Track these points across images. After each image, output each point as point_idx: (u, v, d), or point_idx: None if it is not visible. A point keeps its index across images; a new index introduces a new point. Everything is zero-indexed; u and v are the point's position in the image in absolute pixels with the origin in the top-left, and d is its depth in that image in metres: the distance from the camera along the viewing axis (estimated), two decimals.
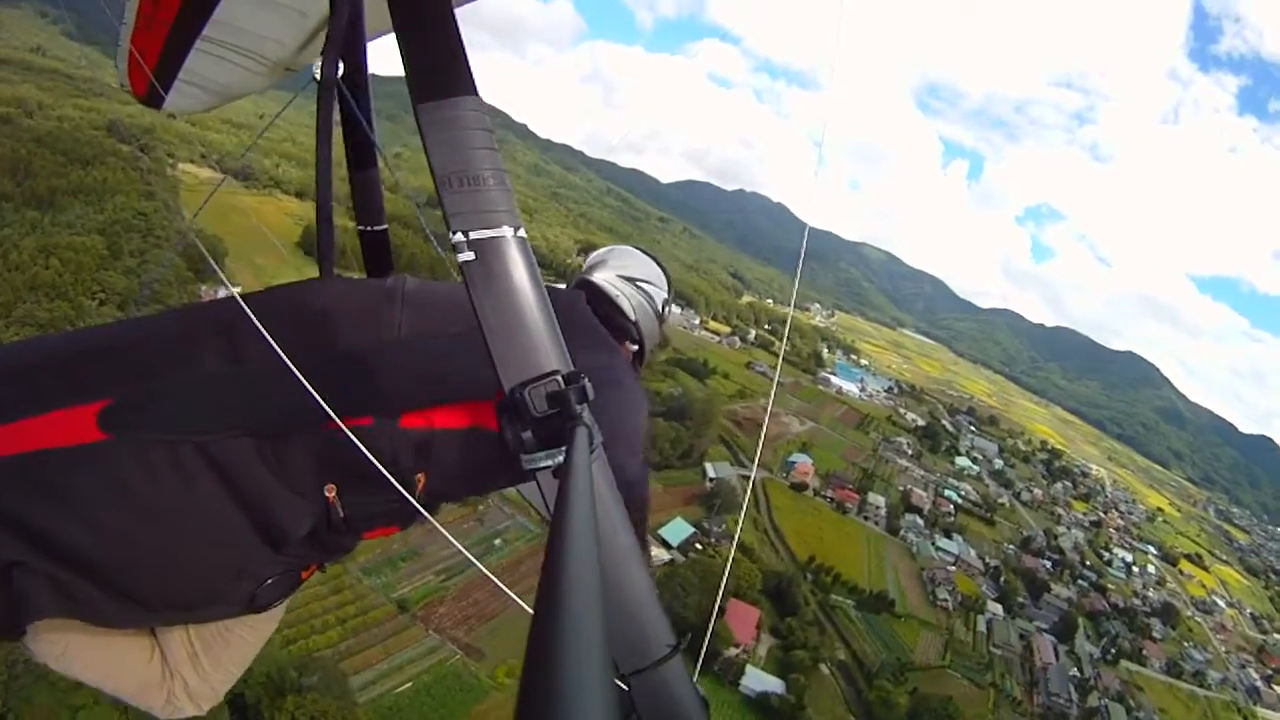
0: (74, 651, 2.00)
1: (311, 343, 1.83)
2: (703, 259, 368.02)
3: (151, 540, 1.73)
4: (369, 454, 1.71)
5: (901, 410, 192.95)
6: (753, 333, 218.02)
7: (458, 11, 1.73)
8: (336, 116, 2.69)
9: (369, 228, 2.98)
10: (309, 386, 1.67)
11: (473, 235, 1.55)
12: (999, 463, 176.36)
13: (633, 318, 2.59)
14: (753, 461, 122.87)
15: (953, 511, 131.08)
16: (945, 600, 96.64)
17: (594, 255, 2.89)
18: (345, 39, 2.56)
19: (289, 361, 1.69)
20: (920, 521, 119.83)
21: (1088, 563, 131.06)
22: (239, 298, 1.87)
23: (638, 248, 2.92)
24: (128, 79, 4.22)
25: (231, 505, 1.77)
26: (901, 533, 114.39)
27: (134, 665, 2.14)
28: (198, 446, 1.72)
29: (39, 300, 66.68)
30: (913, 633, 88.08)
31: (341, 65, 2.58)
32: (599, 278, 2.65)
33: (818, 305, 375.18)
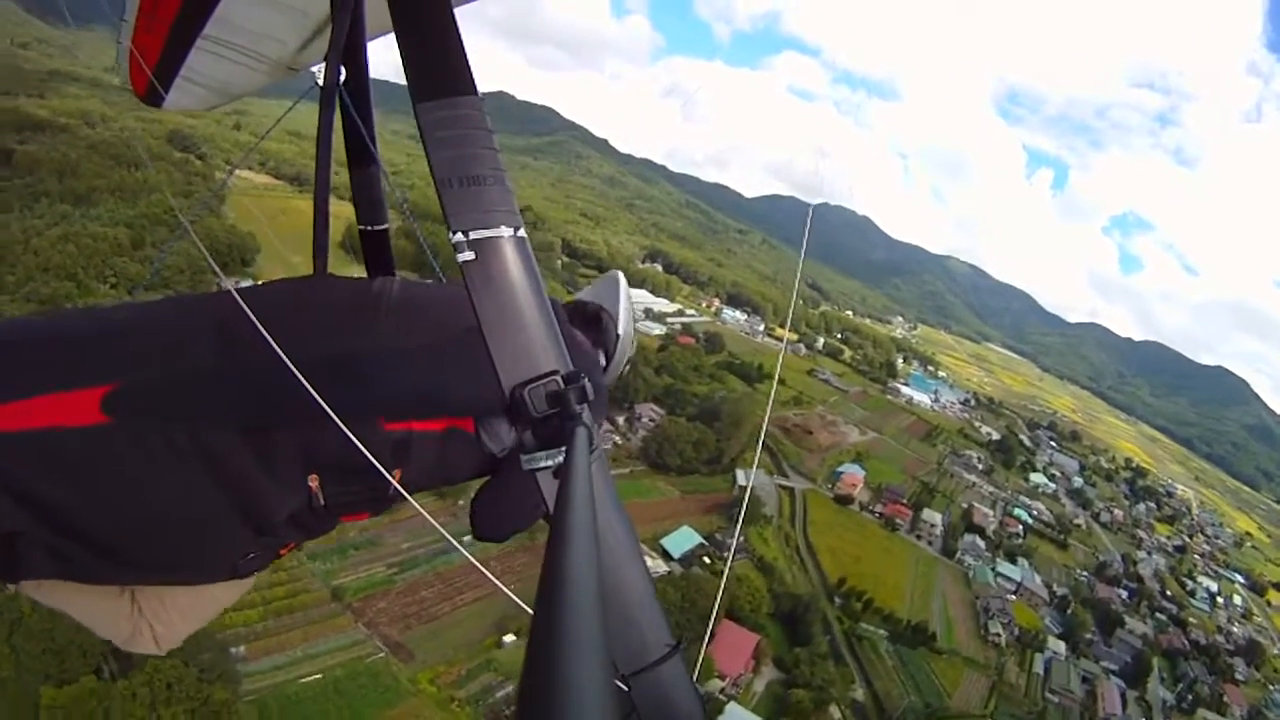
0: (56, 590, 2.08)
1: (300, 340, 1.81)
2: (780, 269, 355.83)
3: (144, 517, 1.78)
4: (369, 454, 1.73)
5: (976, 423, 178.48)
6: (821, 341, 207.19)
7: (458, 11, 1.72)
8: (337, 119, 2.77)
9: (369, 226, 3.01)
10: (309, 386, 1.67)
11: (472, 235, 1.52)
12: (1078, 480, 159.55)
13: (618, 330, 2.58)
14: (797, 471, 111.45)
15: (1021, 532, 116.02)
16: (998, 635, 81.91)
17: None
18: (347, 42, 2.61)
19: (289, 362, 1.69)
20: (981, 543, 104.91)
21: (1168, 592, 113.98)
22: (236, 295, 1.89)
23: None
24: (128, 78, 4.10)
25: (219, 491, 1.81)
26: (958, 555, 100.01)
27: (108, 606, 2.18)
28: (191, 435, 1.75)
29: (47, 280, 68.00)
30: (954, 672, 73.97)
31: (343, 66, 2.68)
32: (617, 286, 2.74)
33: (900, 318, 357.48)
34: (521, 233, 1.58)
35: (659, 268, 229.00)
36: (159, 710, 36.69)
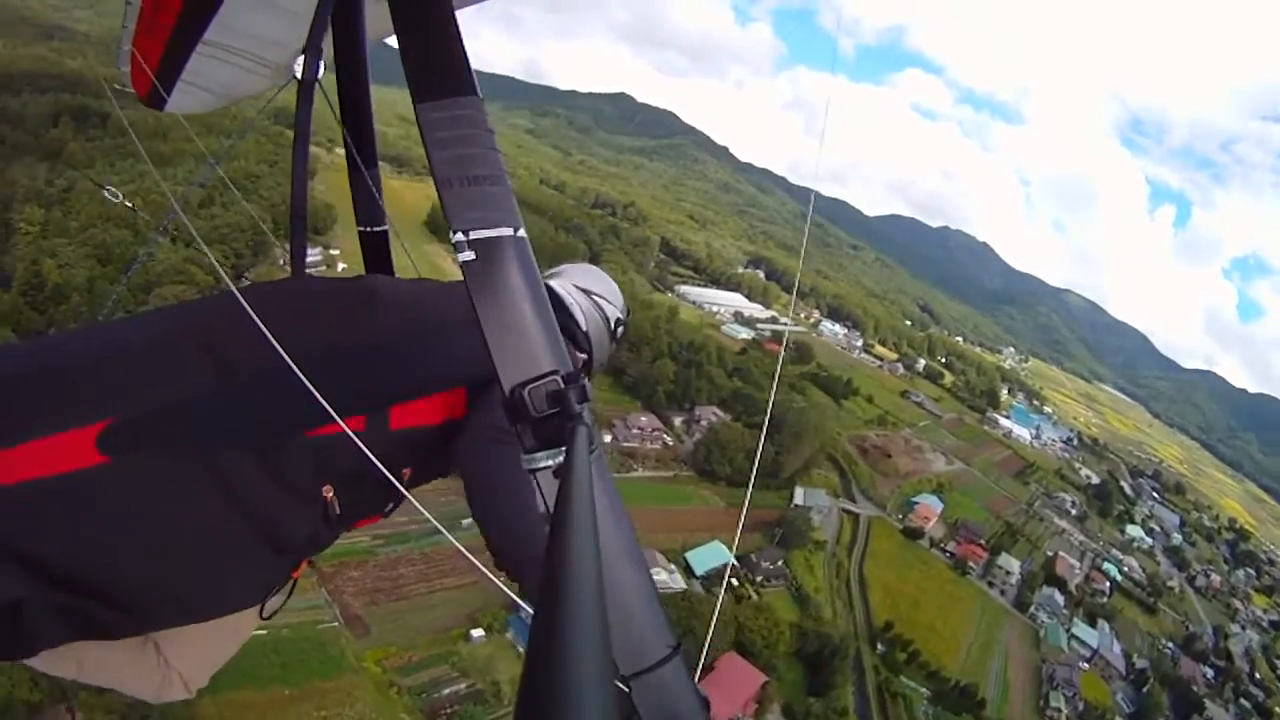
0: (73, 658, 1.94)
1: (299, 344, 1.74)
2: (891, 289, 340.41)
3: (160, 557, 1.68)
4: (375, 458, 1.70)
5: (1076, 465, 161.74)
6: (921, 363, 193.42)
7: (460, 13, 1.69)
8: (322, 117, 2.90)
9: (369, 228, 3.01)
10: (318, 394, 1.63)
11: (473, 235, 1.49)
12: (1177, 537, 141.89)
13: (583, 326, 2.54)
14: (867, 495, 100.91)
15: (1107, 590, 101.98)
16: (1058, 710, 69.47)
17: (558, 268, 2.78)
18: (345, 40, 2.69)
19: (299, 370, 1.64)
20: (1059, 598, 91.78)
21: (1258, 675, 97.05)
22: (240, 296, 1.82)
23: (602, 270, 2.87)
24: (131, 81, 4.05)
25: (235, 516, 1.74)
26: (1031, 609, 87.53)
27: (131, 661, 2.05)
28: (199, 461, 1.68)
29: (106, 228, 69.54)
30: None
31: (343, 66, 2.77)
32: (555, 284, 2.58)
33: (1012, 349, 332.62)
34: (522, 233, 1.53)
35: (760, 274, 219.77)
36: None
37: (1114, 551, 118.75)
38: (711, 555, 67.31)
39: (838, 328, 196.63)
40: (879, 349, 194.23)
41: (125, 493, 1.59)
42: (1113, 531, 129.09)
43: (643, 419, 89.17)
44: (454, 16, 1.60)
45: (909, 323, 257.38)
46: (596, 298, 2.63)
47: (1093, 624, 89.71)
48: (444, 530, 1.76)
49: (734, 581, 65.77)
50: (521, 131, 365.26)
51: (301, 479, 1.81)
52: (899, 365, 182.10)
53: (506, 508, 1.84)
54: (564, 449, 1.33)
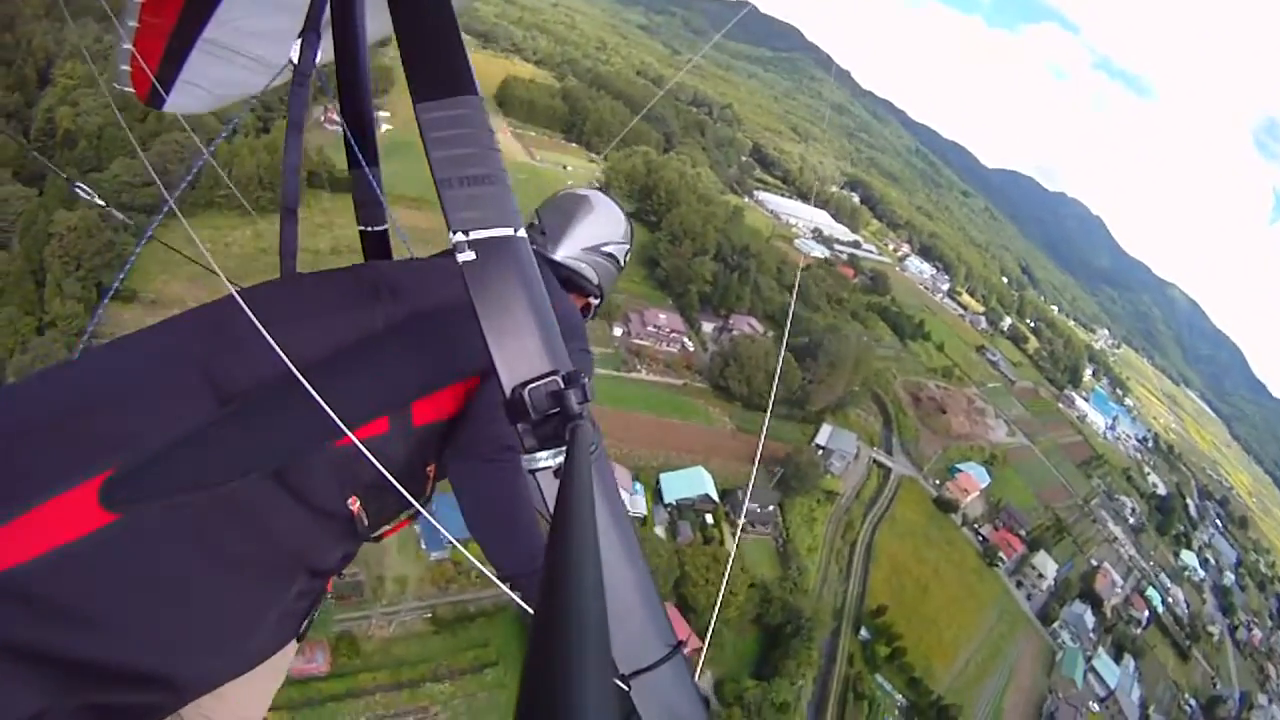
0: None
1: (299, 351, 1.57)
2: (994, 242, 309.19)
3: (195, 620, 1.46)
4: (382, 468, 1.54)
5: (1146, 469, 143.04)
6: (1008, 321, 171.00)
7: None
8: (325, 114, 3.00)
9: (369, 228, 2.90)
10: (326, 407, 1.49)
11: (473, 235, 1.44)
12: (1230, 577, 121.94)
13: (595, 282, 2.52)
14: (906, 450, 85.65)
15: (1145, 620, 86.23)
16: None
17: (557, 214, 2.51)
18: (344, 37, 2.62)
19: (307, 383, 1.49)
20: (1090, 619, 76.81)
21: None
22: (246, 307, 1.61)
23: (603, 191, 2.70)
24: (130, 81, 3.84)
25: (265, 549, 1.55)
26: (1055, 624, 72.94)
27: None
28: (216, 501, 1.44)
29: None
30: None
31: (342, 64, 2.69)
32: (561, 257, 2.47)
33: (1106, 332, 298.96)
34: (522, 233, 1.48)
35: (855, 197, 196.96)
36: None
37: (1162, 577, 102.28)
38: (689, 482, 55.18)
39: (925, 266, 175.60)
40: (965, 298, 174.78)
41: (143, 552, 1.33)
42: (1166, 553, 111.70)
43: (662, 316, 75.28)
44: (454, 16, 1.54)
45: (1005, 279, 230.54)
46: (604, 248, 2.51)
47: (1118, 658, 75.17)
48: (462, 549, 1.73)
49: (708, 519, 53.04)
50: (634, 27, 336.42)
51: (326, 497, 1.60)
52: (982, 319, 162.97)
53: (506, 526, 1.75)
54: (564, 449, 1.28)
